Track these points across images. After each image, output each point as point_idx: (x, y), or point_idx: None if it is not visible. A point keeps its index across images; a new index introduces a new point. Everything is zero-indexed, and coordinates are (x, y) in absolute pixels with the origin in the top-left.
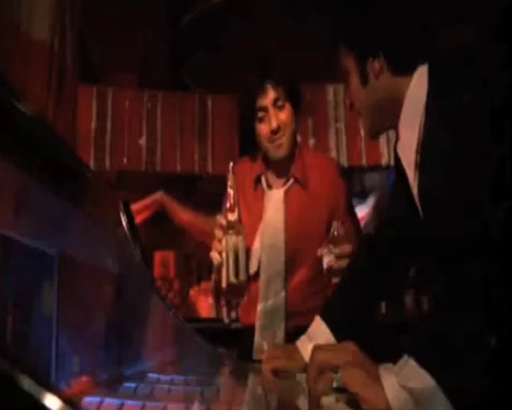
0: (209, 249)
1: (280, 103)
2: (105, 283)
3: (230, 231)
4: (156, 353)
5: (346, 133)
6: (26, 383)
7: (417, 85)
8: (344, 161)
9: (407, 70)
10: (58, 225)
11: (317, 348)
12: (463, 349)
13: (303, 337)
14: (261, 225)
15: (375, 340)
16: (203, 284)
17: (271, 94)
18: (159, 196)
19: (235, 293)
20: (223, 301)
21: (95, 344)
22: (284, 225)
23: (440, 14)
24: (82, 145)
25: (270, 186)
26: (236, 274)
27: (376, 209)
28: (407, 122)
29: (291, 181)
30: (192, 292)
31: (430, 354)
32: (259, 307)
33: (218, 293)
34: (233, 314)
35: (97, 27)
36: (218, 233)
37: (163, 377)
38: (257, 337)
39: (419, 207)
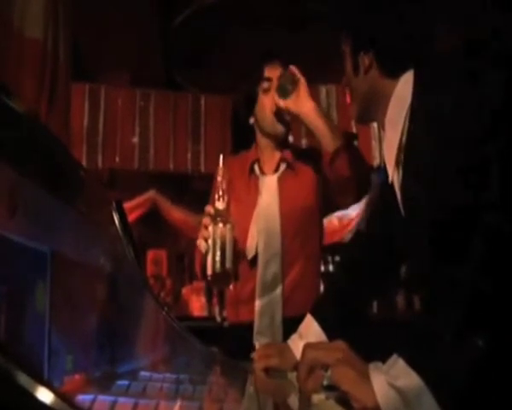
0: None
1: None
2: (98, 281)
3: (218, 219)
4: (148, 351)
5: None
6: (21, 379)
7: (403, 87)
8: None
9: (395, 73)
10: (51, 224)
11: (307, 347)
12: (451, 350)
13: (294, 336)
14: (256, 210)
15: (367, 338)
16: (195, 283)
17: (280, 69)
18: (151, 194)
19: (221, 281)
20: (215, 300)
21: (87, 342)
22: (279, 209)
23: (431, 21)
24: (74, 143)
25: (263, 172)
26: (222, 263)
27: (369, 209)
28: (392, 122)
29: (283, 167)
30: (184, 291)
31: (418, 354)
32: (258, 290)
33: (205, 281)
34: (225, 313)
35: (91, 26)
36: (206, 221)
37: (155, 375)
38: (256, 323)
39: (401, 206)
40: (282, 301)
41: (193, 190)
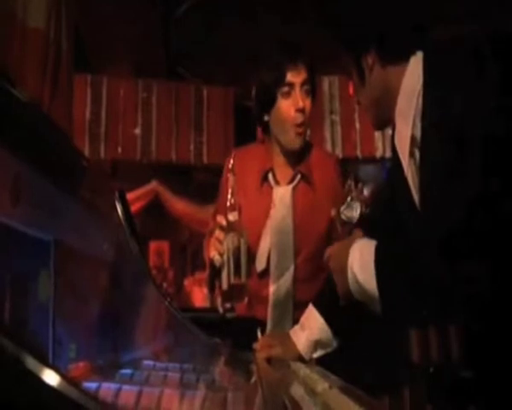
0: (203, 238)
1: (306, 87)
2: (101, 271)
3: (231, 233)
4: (151, 341)
5: (341, 125)
6: (29, 362)
7: (411, 76)
8: (339, 153)
9: (397, 61)
10: (55, 214)
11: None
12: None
13: (296, 327)
14: (269, 221)
15: (367, 325)
16: (197, 274)
17: (303, 74)
18: (153, 185)
19: (236, 295)
20: (217, 291)
21: (91, 331)
22: (293, 222)
23: (431, 7)
24: (76, 134)
25: (277, 182)
26: (238, 275)
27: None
28: (402, 113)
29: (298, 177)
30: (186, 282)
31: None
32: (271, 300)
33: (217, 292)
34: (227, 304)
35: (93, 16)
36: (219, 234)
37: (159, 365)
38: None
39: (415, 198)
40: (292, 309)
41: (195, 182)
